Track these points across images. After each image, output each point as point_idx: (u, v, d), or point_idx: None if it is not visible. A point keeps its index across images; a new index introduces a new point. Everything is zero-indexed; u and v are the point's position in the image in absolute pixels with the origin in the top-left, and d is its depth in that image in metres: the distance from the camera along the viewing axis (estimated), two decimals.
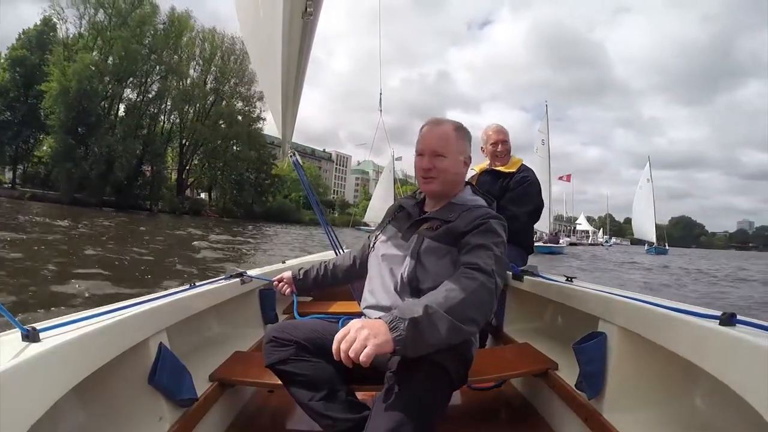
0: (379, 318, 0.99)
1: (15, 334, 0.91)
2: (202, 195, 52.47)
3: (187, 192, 48.89)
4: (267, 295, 2.28)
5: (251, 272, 2.12)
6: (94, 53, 40.02)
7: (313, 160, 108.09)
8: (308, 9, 1.26)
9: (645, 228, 46.11)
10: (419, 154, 1.41)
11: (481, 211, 1.34)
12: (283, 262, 2.75)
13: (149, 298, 1.40)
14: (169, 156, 47.12)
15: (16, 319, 0.93)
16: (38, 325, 0.95)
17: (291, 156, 2.02)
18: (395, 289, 1.32)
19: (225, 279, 1.90)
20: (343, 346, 0.94)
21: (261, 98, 48.20)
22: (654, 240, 44.76)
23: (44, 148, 42.39)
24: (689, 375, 1.23)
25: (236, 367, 1.69)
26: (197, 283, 1.74)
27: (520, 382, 1.95)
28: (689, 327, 1.05)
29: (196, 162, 48.59)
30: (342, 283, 1.72)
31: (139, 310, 1.24)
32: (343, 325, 1.31)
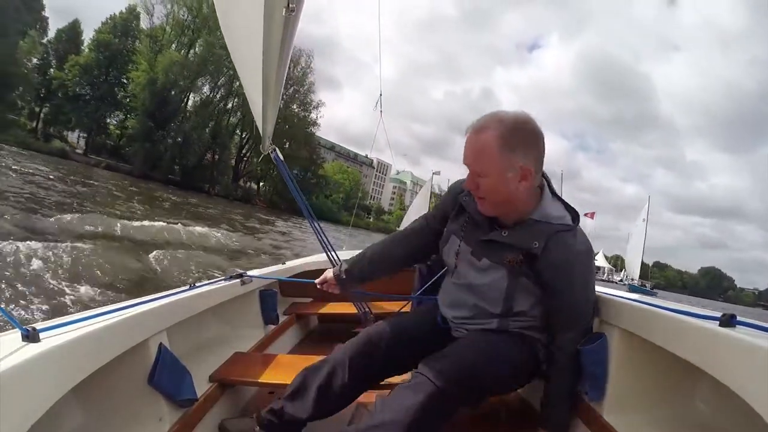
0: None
1: (15, 334, 0.88)
2: (252, 185, 54.00)
3: (240, 181, 50.63)
4: (267, 296, 2.20)
5: (252, 273, 2.06)
6: (173, 45, 42.95)
7: (355, 165, 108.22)
8: (290, 5, 1.19)
9: (633, 265, 44.23)
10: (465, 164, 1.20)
11: (569, 249, 1.16)
12: (283, 263, 2.71)
13: (149, 298, 1.35)
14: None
15: (16, 319, 0.90)
16: (38, 325, 0.92)
17: (271, 152, 1.90)
18: (489, 317, 1.24)
19: (225, 280, 1.83)
20: None
21: (318, 106, 51.29)
22: (636, 278, 42.68)
23: (113, 123, 46.08)
24: (690, 376, 1.19)
25: (236, 367, 1.65)
26: (197, 284, 1.68)
27: None
28: (690, 329, 1.02)
29: (252, 154, 50.18)
30: (392, 272, 1.54)
31: (139, 310, 1.20)
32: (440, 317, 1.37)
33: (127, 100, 42.54)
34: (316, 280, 1.63)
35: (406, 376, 1.40)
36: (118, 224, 9.10)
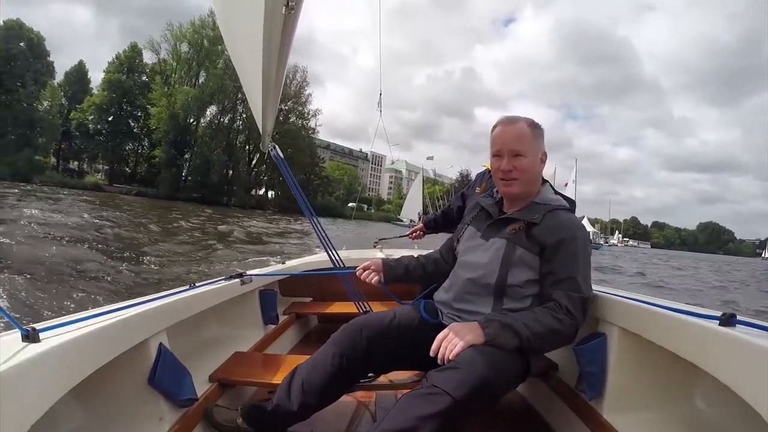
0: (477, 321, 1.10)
1: (15, 335, 0.84)
2: (261, 193, 56.27)
3: (252, 191, 53.59)
4: (267, 296, 2.13)
5: (251, 272, 1.99)
6: (181, 79, 45.27)
7: (351, 160, 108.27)
8: (290, 3, 1.13)
9: None
10: (496, 155, 1.28)
11: (564, 220, 1.23)
12: (283, 263, 2.62)
13: (149, 298, 1.29)
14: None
15: (16, 319, 0.87)
16: (38, 326, 0.88)
17: (271, 150, 1.82)
18: (484, 296, 1.24)
19: (225, 279, 1.76)
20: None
21: (315, 114, 53.30)
22: None
23: (132, 154, 48.98)
24: (689, 376, 1.15)
25: (236, 367, 1.60)
26: (197, 284, 1.62)
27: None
28: (689, 327, 0.98)
29: (259, 164, 52.61)
30: (430, 276, 1.53)
31: (139, 310, 1.15)
32: (424, 309, 1.35)
33: (143, 131, 45.43)
34: (359, 267, 1.53)
35: (400, 374, 1.43)
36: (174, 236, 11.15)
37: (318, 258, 2.76)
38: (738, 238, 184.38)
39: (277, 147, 1.82)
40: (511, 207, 1.33)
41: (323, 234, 1.96)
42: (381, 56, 4.23)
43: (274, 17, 1.19)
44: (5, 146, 37.71)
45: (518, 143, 1.25)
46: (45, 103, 41.77)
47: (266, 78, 1.42)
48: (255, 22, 1.22)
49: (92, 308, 1.18)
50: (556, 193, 1.36)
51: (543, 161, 1.30)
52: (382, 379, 1.43)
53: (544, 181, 1.36)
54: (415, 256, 1.58)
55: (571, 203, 1.33)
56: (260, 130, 1.73)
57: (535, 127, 1.28)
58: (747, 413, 0.80)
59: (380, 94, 3.78)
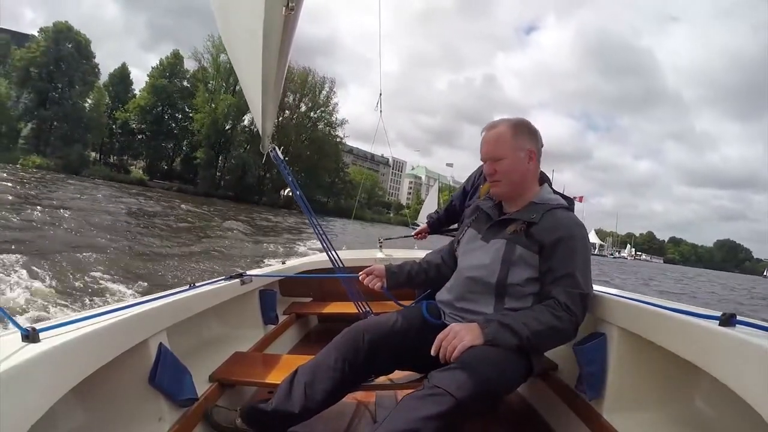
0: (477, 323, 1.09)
1: (15, 335, 0.81)
2: (287, 192, 57.56)
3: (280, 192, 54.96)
4: (267, 296, 2.07)
5: (251, 272, 1.94)
6: (215, 82, 47.13)
7: (373, 164, 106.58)
8: (290, 4, 1.08)
9: None
10: (483, 160, 1.29)
11: (562, 218, 1.21)
12: (283, 263, 2.56)
13: (149, 298, 1.26)
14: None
15: (16, 319, 0.84)
16: (38, 326, 0.85)
17: (271, 151, 1.76)
18: (485, 295, 1.22)
19: (225, 279, 1.71)
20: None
21: (342, 124, 54.39)
22: None
23: (169, 152, 51.00)
24: (689, 376, 1.11)
25: (236, 367, 1.55)
26: (197, 284, 1.58)
27: None
28: (689, 328, 0.95)
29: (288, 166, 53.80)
30: (432, 281, 1.48)
31: (139, 310, 1.11)
32: (427, 310, 1.31)
33: (182, 133, 47.96)
34: (361, 272, 1.46)
35: (400, 374, 1.38)
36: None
37: (318, 258, 2.70)
38: (755, 258, 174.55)
39: (277, 148, 1.76)
40: (510, 208, 1.31)
41: (324, 236, 1.91)
42: (381, 55, 4.19)
43: (273, 18, 1.15)
44: (57, 141, 39.71)
45: (495, 148, 1.26)
46: (89, 101, 43.77)
47: (266, 79, 1.38)
48: (254, 22, 1.17)
49: (94, 308, 1.14)
50: (555, 192, 1.33)
51: (532, 159, 1.26)
52: (382, 378, 1.38)
53: (543, 181, 1.33)
54: (417, 260, 1.52)
55: (570, 202, 1.30)
56: (260, 132, 1.67)
57: (517, 128, 1.26)
58: (747, 413, 0.77)
59: (380, 94, 3.70)
